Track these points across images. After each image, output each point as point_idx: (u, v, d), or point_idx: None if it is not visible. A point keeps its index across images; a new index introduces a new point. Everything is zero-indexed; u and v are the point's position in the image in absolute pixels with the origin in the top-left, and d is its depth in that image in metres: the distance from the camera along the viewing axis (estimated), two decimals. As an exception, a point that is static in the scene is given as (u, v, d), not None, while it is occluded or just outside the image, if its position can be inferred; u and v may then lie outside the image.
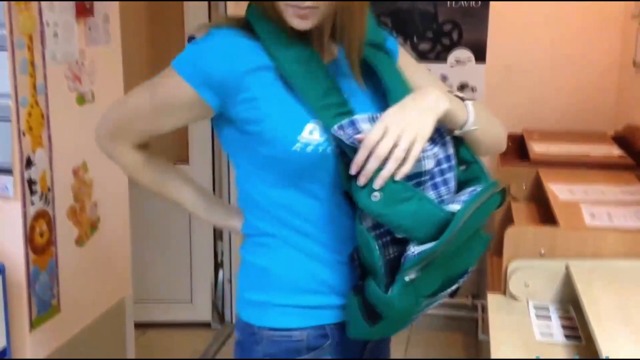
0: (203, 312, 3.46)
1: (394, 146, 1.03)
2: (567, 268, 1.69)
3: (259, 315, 1.19)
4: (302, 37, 1.12)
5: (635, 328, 1.40)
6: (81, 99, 2.08)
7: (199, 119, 1.19)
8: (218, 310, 3.49)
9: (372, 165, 1.03)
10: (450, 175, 1.15)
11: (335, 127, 1.07)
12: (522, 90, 3.23)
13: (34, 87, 1.85)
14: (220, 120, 1.17)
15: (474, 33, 3.23)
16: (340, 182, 1.11)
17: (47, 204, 1.93)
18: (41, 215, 1.91)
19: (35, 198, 1.88)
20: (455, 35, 3.26)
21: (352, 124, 1.07)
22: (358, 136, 1.04)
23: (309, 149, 1.09)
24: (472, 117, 1.13)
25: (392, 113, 1.06)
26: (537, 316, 1.64)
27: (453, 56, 3.27)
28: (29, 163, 1.84)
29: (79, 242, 2.10)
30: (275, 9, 1.09)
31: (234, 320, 3.48)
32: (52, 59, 1.91)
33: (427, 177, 1.11)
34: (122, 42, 2.29)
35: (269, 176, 1.14)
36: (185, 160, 3.27)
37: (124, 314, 2.33)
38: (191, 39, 1.16)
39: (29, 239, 1.85)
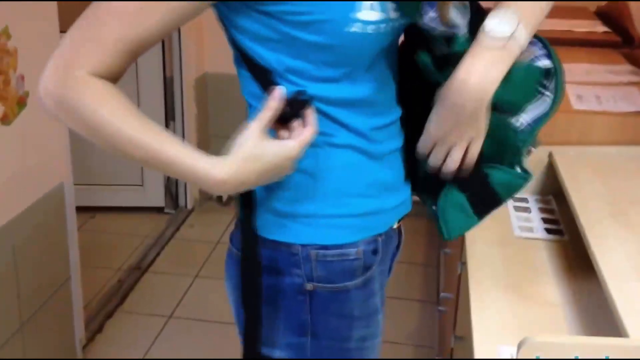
0: (155, 196, 3.31)
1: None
2: (550, 156, 1.54)
3: (304, 231, 0.97)
4: None
5: (624, 220, 1.27)
6: (-2, -47, 1.77)
7: (197, 11, 0.87)
8: (171, 194, 3.34)
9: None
10: None
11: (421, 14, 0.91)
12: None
13: None
14: (232, 5, 0.89)
15: None
16: (394, 63, 0.98)
17: (-37, 77, 1.68)
18: (-44, 89, 1.66)
19: (-53, 69, 1.63)
20: None
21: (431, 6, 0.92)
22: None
23: (370, 29, 0.87)
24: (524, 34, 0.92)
25: (438, 122, 0.94)
26: (516, 208, 1.50)
27: None
28: None
29: (5, 120, 1.86)
30: None
31: (188, 205, 3.34)
32: None
33: None
34: None
35: (313, 70, 0.91)
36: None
37: (63, 201, 2.13)
38: None
39: (-58, 117, 1.62)
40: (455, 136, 0.93)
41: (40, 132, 2.00)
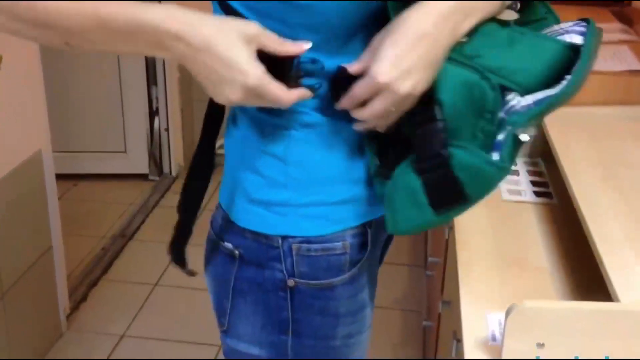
0: (139, 163, 3.25)
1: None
2: (539, 116, 1.50)
3: (283, 221, 0.87)
4: None
5: (615, 183, 1.24)
6: None
7: None
8: (155, 161, 3.28)
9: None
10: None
11: None
12: None
13: None
14: None
15: None
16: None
17: None
18: None
19: None
20: None
21: None
22: None
23: None
24: None
25: (396, 57, 0.76)
26: (504, 170, 1.47)
27: None
28: None
29: (-22, 86, 1.80)
30: None
31: (172, 172, 3.29)
32: None
33: None
34: None
35: (289, 34, 0.80)
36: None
37: (41, 169, 2.08)
38: None
39: None
40: (413, 82, 0.76)
41: (16, 97, 1.94)
